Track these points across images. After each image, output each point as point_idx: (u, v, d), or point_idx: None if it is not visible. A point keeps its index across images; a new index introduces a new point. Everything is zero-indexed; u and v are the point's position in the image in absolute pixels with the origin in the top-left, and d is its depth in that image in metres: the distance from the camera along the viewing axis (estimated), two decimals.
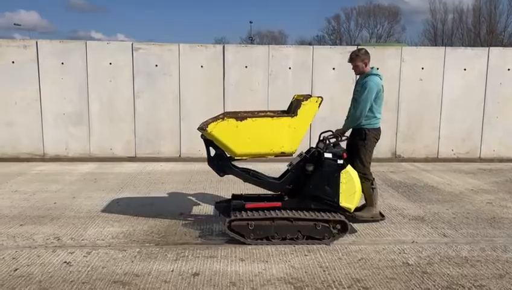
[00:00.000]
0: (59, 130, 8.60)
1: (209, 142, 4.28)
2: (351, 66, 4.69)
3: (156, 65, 8.58)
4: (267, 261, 3.82)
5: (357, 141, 4.54)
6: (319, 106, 4.17)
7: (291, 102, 4.76)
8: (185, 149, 8.78)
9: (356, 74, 4.78)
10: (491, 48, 9.11)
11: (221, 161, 4.35)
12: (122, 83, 8.58)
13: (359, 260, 3.89)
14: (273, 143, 4.12)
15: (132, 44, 8.61)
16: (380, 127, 4.64)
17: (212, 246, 4.15)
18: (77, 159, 8.56)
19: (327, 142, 4.47)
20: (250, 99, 8.70)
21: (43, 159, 8.56)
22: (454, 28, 42.71)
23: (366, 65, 4.61)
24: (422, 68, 8.82)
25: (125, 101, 8.62)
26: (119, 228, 4.68)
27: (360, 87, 4.55)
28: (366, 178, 4.52)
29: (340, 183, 4.23)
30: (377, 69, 4.75)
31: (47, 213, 5.18)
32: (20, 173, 7.44)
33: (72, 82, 8.49)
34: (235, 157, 4.20)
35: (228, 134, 4.02)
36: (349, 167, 4.30)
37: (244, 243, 4.15)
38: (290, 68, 8.70)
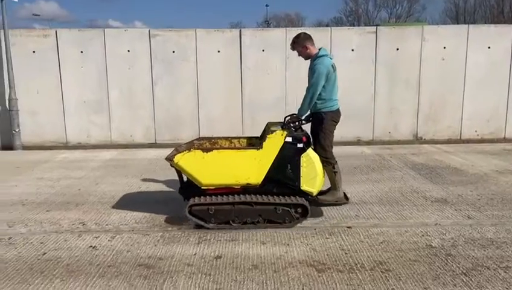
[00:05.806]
0: (80, 118, 8.74)
1: (179, 171, 4.36)
2: (297, 54, 4.63)
3: (174, 51, 8.59)
4: (288, 244, 3.83)
5: (316, 125, 4.53)
6: (284, 139, 4.17)
7: (264, 128, 4.75)
8: (204, 134, 8.81)
9: (305, 59, 4.69)
10: None
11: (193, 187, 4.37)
12: (141, 70, 8.63)
13: (381, 242, 3.87)
14: (239, 174, 4.17)
15: (149, 31, 8.63)
16: (338, 109, 4.57)
17: (233, 230, 4.18)
18: (99, 146, 8.70)
19: (289, 126, 4.43)
20: (268, 82, 8.67)
21: (66, 146, 8.74)
22: (477, 5, 41.34)
23: (307, 48, 4.54)
24: (445, 47, 8.59)
25: (144, 88, 8.69)
26: (142, 212, 4.75)
27: (310, 71, 4.51)
28: (328, 162, 4.48)
29: (301, 167, 4.20)
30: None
31: (72, 199, 5.30)
32: (44, 160, 7.61)
33: (91, 70, 8.59)
34: (202, 187, 4.25)
35: (194, 165, 4.15)
36: (309, 151, 4.27)
37: (258, 228, 4.16)
38: None
